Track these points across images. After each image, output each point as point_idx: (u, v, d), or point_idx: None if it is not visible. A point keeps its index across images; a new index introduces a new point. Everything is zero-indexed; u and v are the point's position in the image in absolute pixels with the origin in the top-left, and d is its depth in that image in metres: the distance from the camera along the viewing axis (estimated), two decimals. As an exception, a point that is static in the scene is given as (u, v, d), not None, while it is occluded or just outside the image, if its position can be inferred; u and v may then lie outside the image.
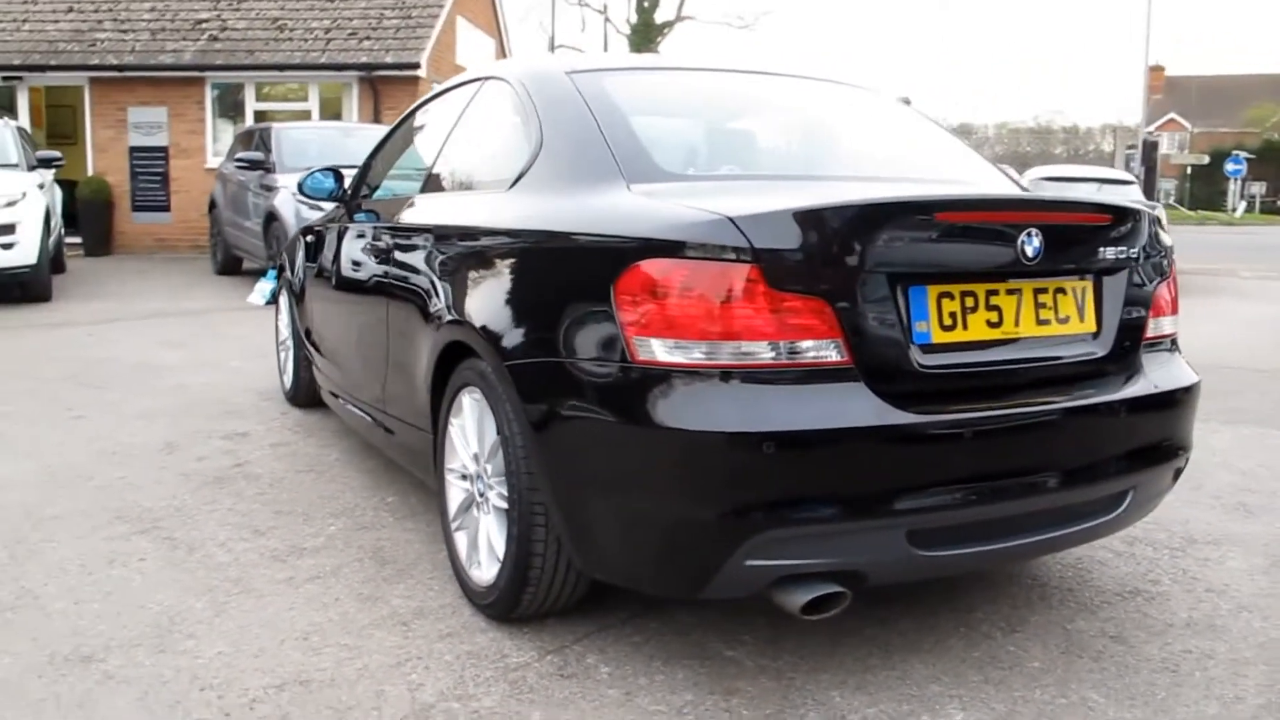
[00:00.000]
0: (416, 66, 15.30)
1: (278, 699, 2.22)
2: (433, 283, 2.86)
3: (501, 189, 2.75)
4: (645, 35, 32.10)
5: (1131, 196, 13.93)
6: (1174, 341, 2.72)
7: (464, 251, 2.75)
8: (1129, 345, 2.46)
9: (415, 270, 3.00)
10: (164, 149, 14.75)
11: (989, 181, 2.90)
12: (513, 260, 2.52)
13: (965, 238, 2.19)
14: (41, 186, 9.48)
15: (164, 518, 3.40)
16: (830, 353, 2.04)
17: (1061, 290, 2.35)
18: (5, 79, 14.56)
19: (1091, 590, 2.90)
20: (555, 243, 2.36)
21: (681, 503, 2.02)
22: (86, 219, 14.13)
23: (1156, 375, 2.50)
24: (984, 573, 2.98)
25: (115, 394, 5.37)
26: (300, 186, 4.06)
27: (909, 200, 2.19)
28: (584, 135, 2.53)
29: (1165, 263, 2.60)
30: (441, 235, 2.91)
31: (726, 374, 2.00)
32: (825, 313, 2.03)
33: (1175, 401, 2.54)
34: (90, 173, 14.63)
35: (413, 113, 3.90)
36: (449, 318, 2.70)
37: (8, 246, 8.49)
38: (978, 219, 2.21)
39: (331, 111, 15.63)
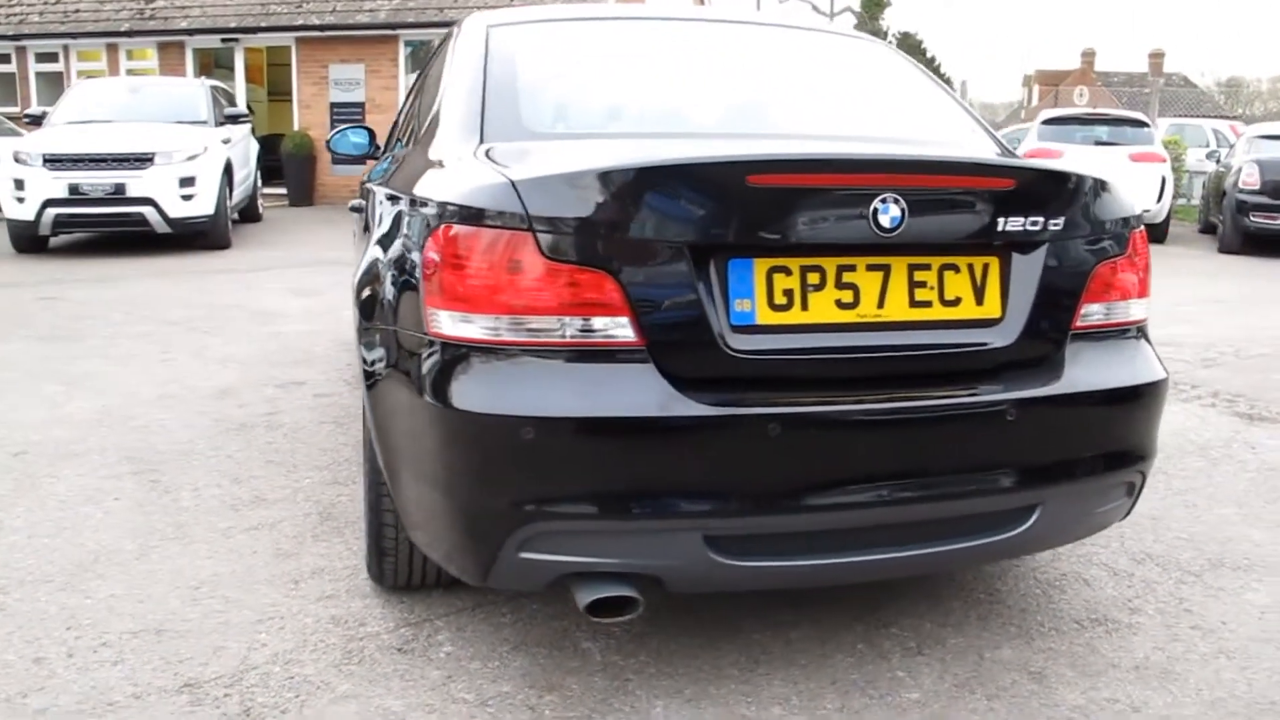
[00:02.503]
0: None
1: (125, 645, 2.30)
2: (358, 243, 2.85)
3: (410, 147, 2.70)
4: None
5: (1144, 141, 12.04)
6: (1140, 330, 2.30)
7: (369, 212, 2.72)
8: (1046, 335, 2.09)
9: (355, 234, 3.01)
10: (360, 104, 15.60)
11: (953, 142, 2.54)
12: (379, 223, 2.46)
13: (804, 204, 1.90)
14: (227, 141, 10.25)
15: (166, 461, 3.60)
16: (615, 332, 1.84)
17: (952, 267, 2.02)
18: (224, 40, 15.83)
19: (1049, 614, 2.54)
20: (399, 205, 2.27)
21: (451, 487, 1.90)
22: (290, 171, 15.20)
23: (1087, 371, 2.11)
24: (933, 580, 2.68)
25: (217, 339, 5.74)
26: (327, 144, 4.14)
27: (713, 160, 1.92)
28: (466, 91, 2.41)
29: (1116, 237, 2.18)
30: (365, 194, 2.89)
31: (501, 351, 1.86)
32: (609, 287, 1.83)
33: (1112, 403, 2.15)
34: (296, 127, 15.71)
35: (425, 65, 3.89)
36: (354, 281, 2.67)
37: (187, 198, 9.25)
38: (811, 181, 1.90)
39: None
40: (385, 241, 2.32)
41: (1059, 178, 2.11)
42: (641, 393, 1.82)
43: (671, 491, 1.85)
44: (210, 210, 9.47)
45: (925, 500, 1.97)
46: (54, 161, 9.01)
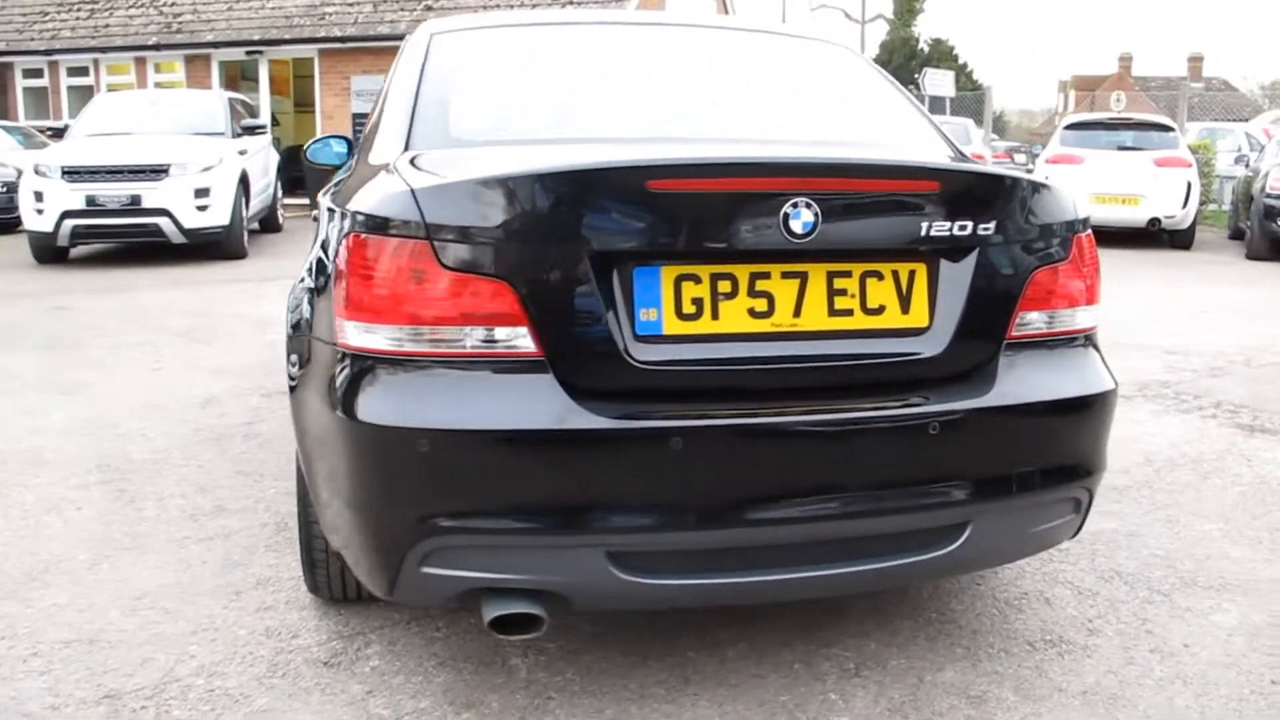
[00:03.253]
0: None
1: (55, 655, 2.29)
2: None
3: (354, 158, 2.68)
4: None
5: (1169, 145, 11.68)
6: (1088, 339, 2.22)
7: (319, 224, 2.70)
8: (977, 345, 2.02)
9: None
10: (383, 116, 15.71)
11: (894, 145, 2.47)
12: (318, 234, 2.44)
13: (710, 210, 1.84)
14: (243, 153, 10.35)
15: (137, 470, 3.61)
16: (515, 342, 1.80)
17: (875, 275, 1.95)
18: (249, 53, 16.04)
19: (1001, 635, 2.45)
20: (330, 216, 2.25)
21: (356, 499, 1.88)
22: (312, 182, 15.30)
23: (1023, 382, 2.04)
24: (884, 597, 2.60)
25: (211, 349, 5.78)
26: (303, 153, 4.13)
27: (610, 166, 1.87)
28: (401, 100, 2.40)
29: (1058, 242, 2.10)
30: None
31: (404, 362, 1.83)
32: (507, 297, 1.79)
33: (1050, 415, 2.07)
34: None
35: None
36: None
37: (202, 209, 9.35)
38: (716, 186, 1.85)
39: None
40: (315, 252, 2.30)
41: (989, 180, 2.04)
42: (538, 405, 1.78)
43: (571, 506, 1.80)
44: (225, 221, 9.56)
45: (844, 517, 1.90)
46: (72, 174, 9.15)
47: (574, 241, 1.80)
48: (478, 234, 1.80)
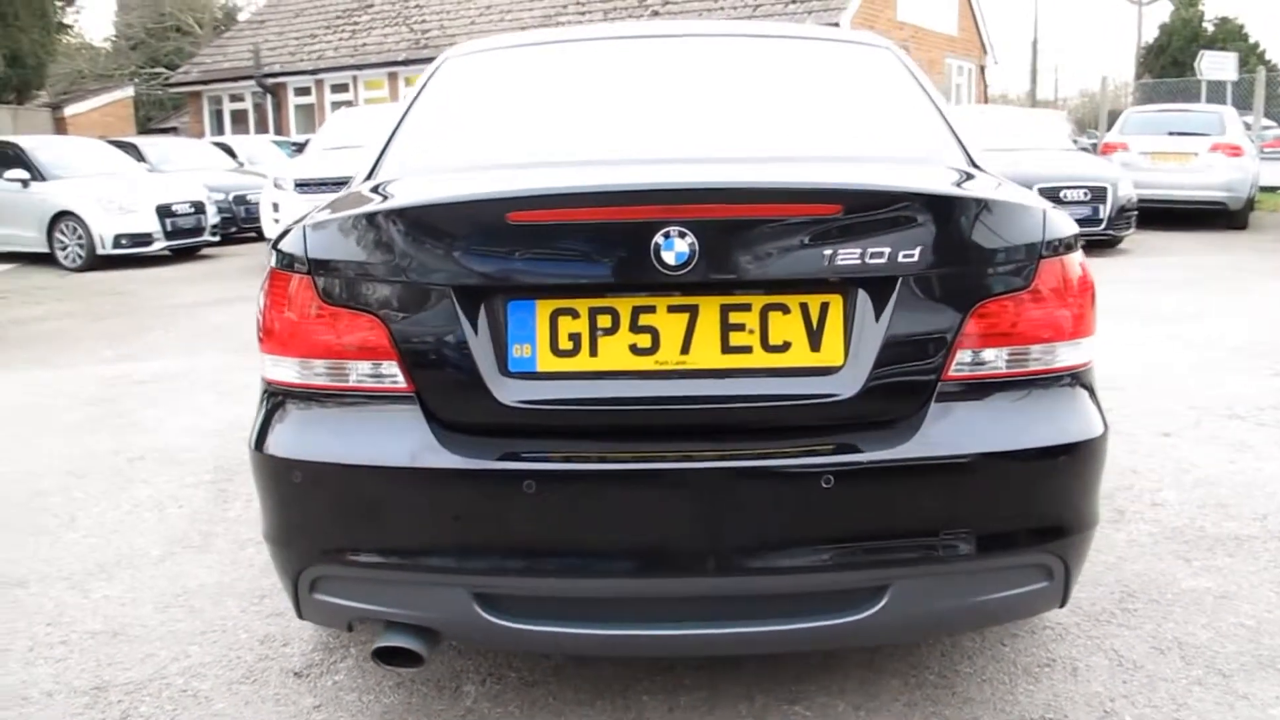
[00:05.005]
0: (835, 26, 15.04)
1: (79, 644, 2.55)
2: None
3: None
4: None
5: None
6: (1075, 379, 1.93)
7: None
8: (901, 387, 1.81)
9: None
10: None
11: (900, 162, 2.24)
12: None
13: (577, 242, 1.76)
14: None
15: (244, 471, 3.91)
16: (387, 377, 1.82)
17: (779, 308, 1.79)
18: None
19: (996, 709, 2.19)
20: None
21: (263, 525, 1.97)
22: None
23: (958, 430, 1.80)
24: (882, 653, 2.39)
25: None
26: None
27: (468, 199, 1.83)
28: (390, 126, 2.46)
29: (1014, 268, 1.83)
30: None
31: (299, 395, 1.90)
32: (378, 331, 1.81)
33: (995, 469, 1.82)
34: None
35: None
36: None
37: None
38: (576, 216, 1.76)
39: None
40: None
41: (913, 201, 1.81)
42: (400, 441, 1.79)
43: (432, 544, 1.80)
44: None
45: (730, 573, 1.77)
46: (303, 185, 10.04)
47: (437, 275, 1.79)
48: (350, 270, 1.83)
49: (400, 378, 1.82)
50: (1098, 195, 9.82)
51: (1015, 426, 1.84)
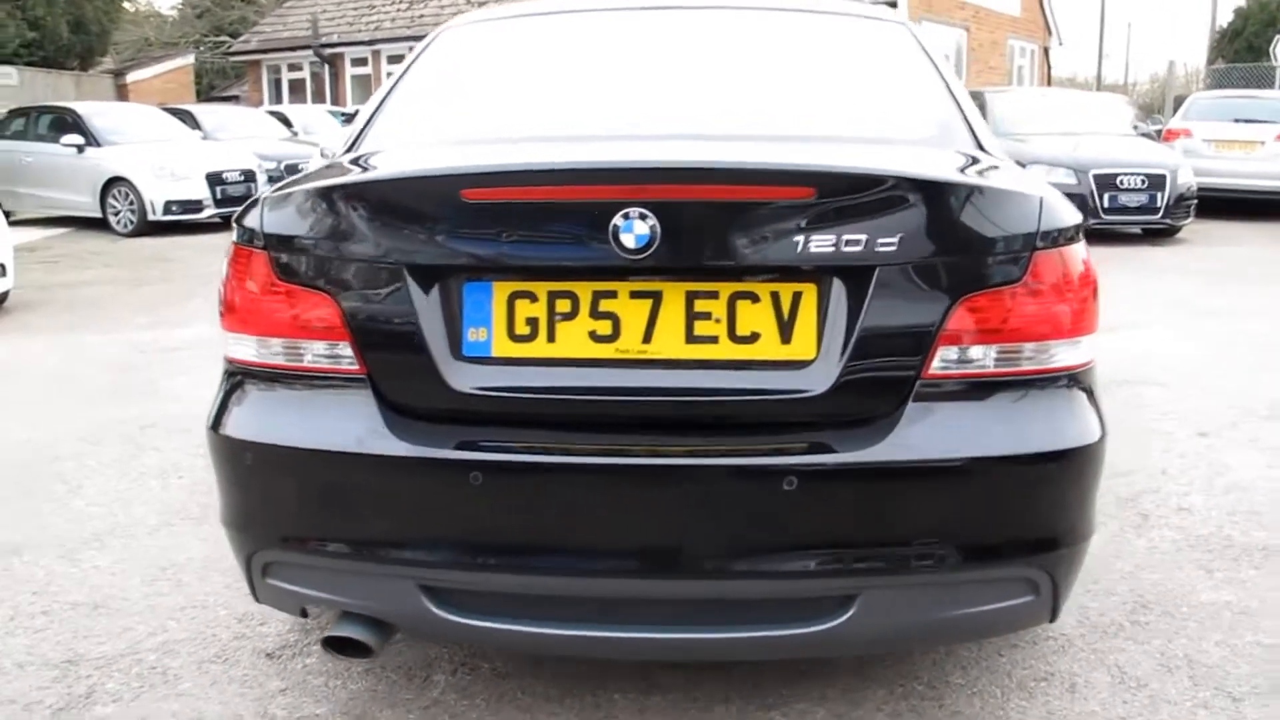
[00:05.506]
0: (893, 6, 14.70)
1: (59, 615, 2.55)
2: None
3: None
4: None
5: None
6: (1072, 380, 1.79)
7: None
8: (877, 383, 1.69)
9: None
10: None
11: (901, 146, 2.11)
12: None
13: (535, 222, 1.67)
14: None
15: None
16: (340, 358, 1.75)
17: (748, 297, 1.69)
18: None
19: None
20: None
21: (219, 505, 1.92)
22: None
23: (937, 432, 1.68)
24: (872, 660, 2.29)
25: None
26: None
27: (422, 174, 1.76)
28: (377, 96, 2.39)
29: (1004, 259, 1.70)
30: None
31: (258, 374, 1.84)
32: (331, 310, 1.74)
33: (974, 475, 1.70)
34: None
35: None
36: None
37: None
38: (533, 195, 1.67)
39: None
40: None
41: (893, 185, 1.68)
42: (346, 425, 1.73)
43: (378, 534, 1.74)
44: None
45: (685, 575, 1.68)
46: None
47: (391, 254, 1.72)
48: (304, 246, 1.77)
49: (353, 360, 1.75)
50: (1155, 182, 9.47)
51: (1001, 430, 1.72)
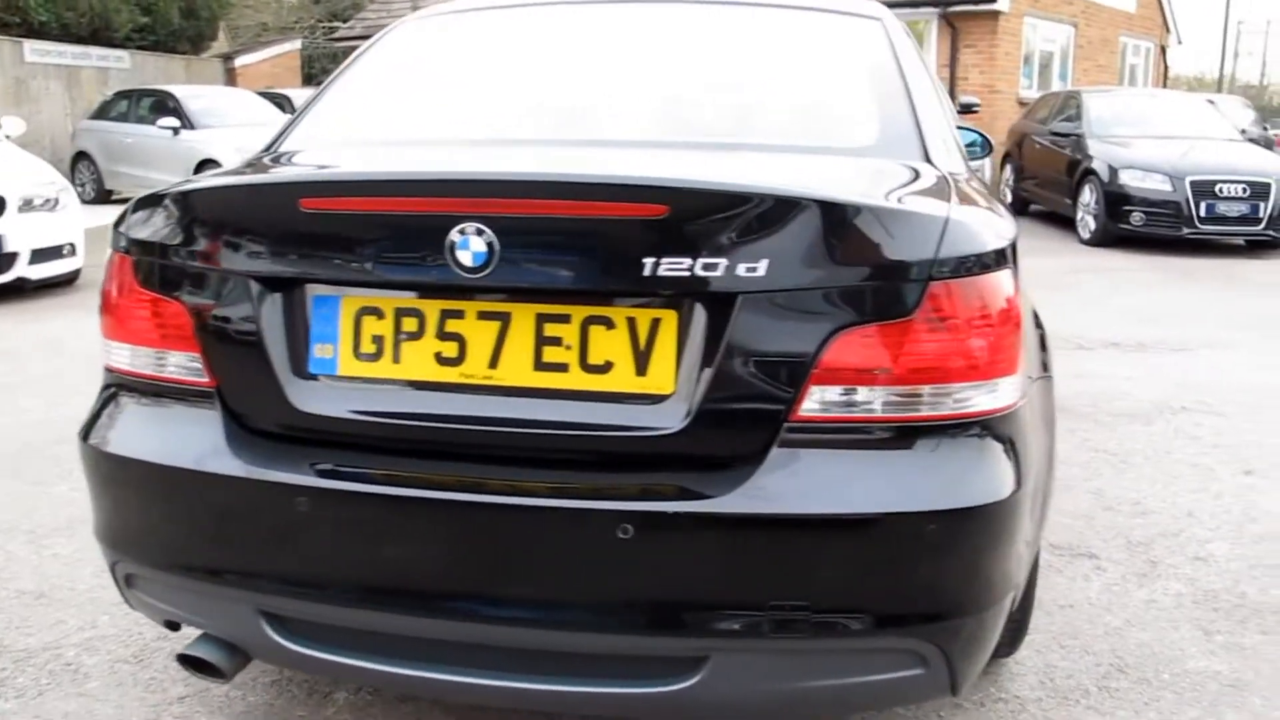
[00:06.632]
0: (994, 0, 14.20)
1: (2, 604, 2.55)
2: None
3: None
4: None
5: None
6: (984, 428, 1.57)
7: None
8: (737, 424, 1.52)
9: None
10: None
11: (829, 148, 1.93)
12: None
13: (375, 234, 1.57)
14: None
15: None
16: (194, 370, 1.69)
17: (602, 322, 1.54)
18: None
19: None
20: None
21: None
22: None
23: (801, 482, 1.50)
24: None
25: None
26: None
27: (263, 183, 1.69)
28: (318, 92, 2.33)
29: (894, 290, 1.50)
30: None
31: (128, 383, 1.80)
32: (184, 320, 1.68)
33: (843, 533, 1.51)
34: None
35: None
36: None
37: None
38: (371, 206, 1.56)
39: (911, 49, 15.35)
40: None
41: (760, 204, 1.50)
42: (191, 440, 1.67)
43: (219, 555, 1.67)
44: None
45: (518, 623, 1.55)
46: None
47: (237, 263, 1.64)
48: (159, 253, 1.72)
49: (204, 372, 1.68)
50: (1259, 191, 8.86)
51: (880, 483, 1.52)
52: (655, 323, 1.54)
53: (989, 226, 1.63)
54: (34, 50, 14.52)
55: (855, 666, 1.57)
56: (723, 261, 1.47)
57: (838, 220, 1.51)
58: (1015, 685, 2.25)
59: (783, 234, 1.49)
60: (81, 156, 13.46)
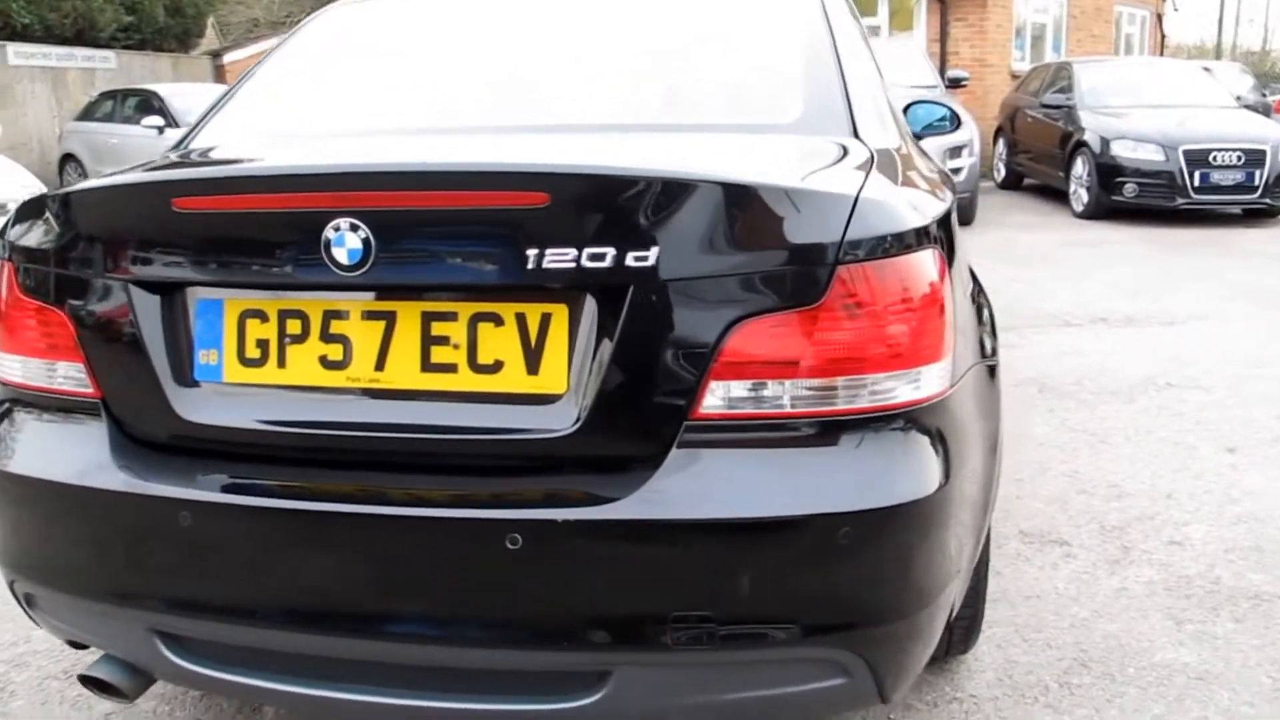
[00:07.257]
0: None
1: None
2: None
3: None
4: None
5: None
6: (909, 420, 1.48)
7: None
8: (634, 423, 1.44)
9: None
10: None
11: (759, 127, 1.85)
12: None
13: (250, 234, 1.49)
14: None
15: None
16: (79, 381, 1.61)
17: (490, 319, 1.46)
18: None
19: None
20: None
21: None
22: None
23: (701, 484, 1.41)
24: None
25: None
26: None
27: (135, 183, 1.60)
28: (238, 82, 2.26)
29: (798, 276, 1.40)
30: None
31: (14, 396, 1.72)
32: (67, 328, 1.60)
33: (749, 537, 1.41)
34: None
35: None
36: None
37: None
38: (241, 204, 1.48)
39: (902, 26, 15.20)
40: None
41: (647, 188, 1.40)
42: (75, 454, 1.59)
43: (108, 574, 1.59)
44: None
45: (406, 639, 1.48)
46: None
47: (115, 267, 1.56)
48: (37, 258, 1.64)
49: (88, 383, 1.61)
50: (1253, 159, 8.70)
51: (789, 483, 1.42)
52: (546, 318, 1.45)
53: (909, 204, 1.53)
54: (17, 53, 14.42)
55: (772, 678, 1.49)
56: (610, 251, 1.38)
57: (733, 203, 1.41)
58: (972, 683, 2.17)
59: (674, 219, 1.40)
60: (69, 159, 13.38)
